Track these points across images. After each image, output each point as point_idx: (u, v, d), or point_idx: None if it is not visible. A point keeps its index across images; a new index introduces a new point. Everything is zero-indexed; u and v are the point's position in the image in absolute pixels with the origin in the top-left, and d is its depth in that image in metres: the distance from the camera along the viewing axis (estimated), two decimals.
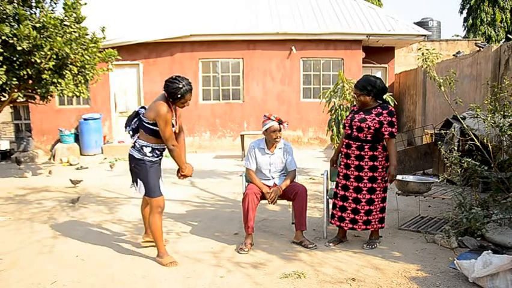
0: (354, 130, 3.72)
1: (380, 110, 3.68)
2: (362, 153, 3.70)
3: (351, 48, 11.15)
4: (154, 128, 3.44)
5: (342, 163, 3.86)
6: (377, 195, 3.75)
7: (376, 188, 3.74)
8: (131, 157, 3.54)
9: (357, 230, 3.87)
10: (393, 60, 12.65)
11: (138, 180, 3.54)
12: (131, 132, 3.62)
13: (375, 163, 3.70)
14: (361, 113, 3.74)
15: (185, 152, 3.75)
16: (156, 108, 3.37)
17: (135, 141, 3.54)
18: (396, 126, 3.67)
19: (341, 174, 3.86)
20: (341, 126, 6.50)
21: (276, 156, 4.10)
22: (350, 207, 3.79)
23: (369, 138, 3.67)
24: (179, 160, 3.54)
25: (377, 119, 3.64)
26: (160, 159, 3.63)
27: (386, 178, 3.71)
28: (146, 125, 3.46)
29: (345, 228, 3.86)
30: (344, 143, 3.84)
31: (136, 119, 3.60)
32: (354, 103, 3.96)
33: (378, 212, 3.80)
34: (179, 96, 3.37)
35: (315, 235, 4.23)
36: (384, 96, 6.77)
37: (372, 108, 3.72)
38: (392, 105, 6.46)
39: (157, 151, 3.52)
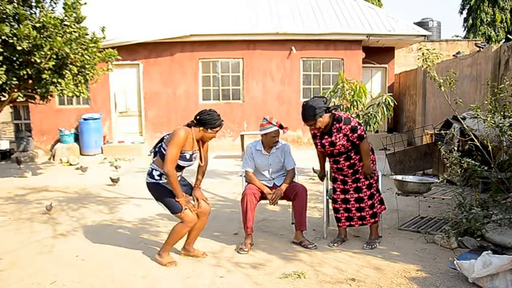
0: (334, 150, 3.81)
1: (338, 125, 3.73)
2: (352, 161, 3.86)
3: (351, 48, 11.15)
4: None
5: (337, 175, 3.99)
6: (374, 187, 3.96)
7: (372, 183, 3.94)
8: (146, 184, 3.55)
9: (368, 225, 4.00)
10: (393, 61, 12.65)
11: (158, 202, 3.53)
12: (152, 155, 3.62)
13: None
14: (326, 137, 3.80)
15: (201, 181, 3.70)
16: (175, 131, 3.39)
17: (149, 166, 3.55)
18: (360, 128, 3.75)
19: (338, 180, 3.99)
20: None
21: (274, 156, 4.09)
22: (354, 207, 3.94)
23: (350, 147, 3.81)
24: (173, 187, 3.38)
25: (341, 135, 3.72)
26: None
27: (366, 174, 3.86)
28: (163, 150, 3.42)
29: (356, 225, 4.01)
30: (331, 160, 3.95)
31: (160, 144, 3.56)
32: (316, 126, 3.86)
33: (378, 203, 4.00)
34: (217, 124, 3.46)
35: (315, 235, 4.23)
36: (384, 97, 6.77)
37: (331, 127, 3.76)
38: (392, 105, 6.47)
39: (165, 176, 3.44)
